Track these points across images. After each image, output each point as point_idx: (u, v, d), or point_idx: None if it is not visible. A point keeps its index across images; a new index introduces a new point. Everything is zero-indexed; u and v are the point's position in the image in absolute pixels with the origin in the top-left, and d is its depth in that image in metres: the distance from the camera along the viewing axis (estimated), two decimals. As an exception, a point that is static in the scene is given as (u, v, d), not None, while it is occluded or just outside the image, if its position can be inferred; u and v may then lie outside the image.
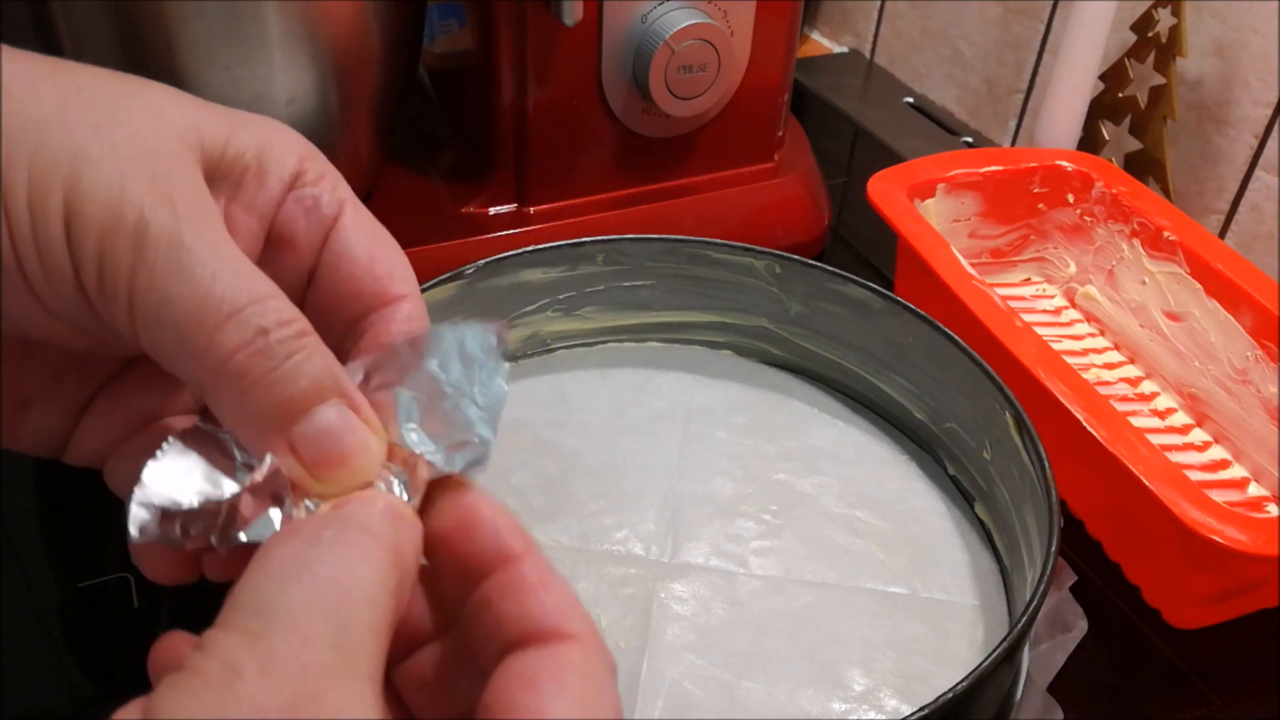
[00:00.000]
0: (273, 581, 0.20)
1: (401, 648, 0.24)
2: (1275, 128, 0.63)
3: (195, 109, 0.24)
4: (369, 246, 0.26)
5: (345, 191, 0.26)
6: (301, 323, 0.23)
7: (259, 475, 0.22)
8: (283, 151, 0.25)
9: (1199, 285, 0.55)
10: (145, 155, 0.22)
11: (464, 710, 0.23)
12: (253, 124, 0.25)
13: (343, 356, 0.25)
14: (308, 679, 0.18)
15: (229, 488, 0.23)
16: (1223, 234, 0.67)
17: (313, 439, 0.22)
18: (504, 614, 0.22)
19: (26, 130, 0.21)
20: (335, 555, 0.20)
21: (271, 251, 0.26)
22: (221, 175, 0.24)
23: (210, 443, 0.24)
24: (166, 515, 0.22)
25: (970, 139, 0.83)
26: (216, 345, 0.22)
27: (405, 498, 0.23)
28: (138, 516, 0.22)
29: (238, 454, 0.24)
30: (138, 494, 0.22)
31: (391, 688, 0.24)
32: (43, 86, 0.22)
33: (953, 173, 0.61)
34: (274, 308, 0.22)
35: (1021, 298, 0.64)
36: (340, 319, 0.26)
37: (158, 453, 0.23)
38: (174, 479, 0.23)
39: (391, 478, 0.23)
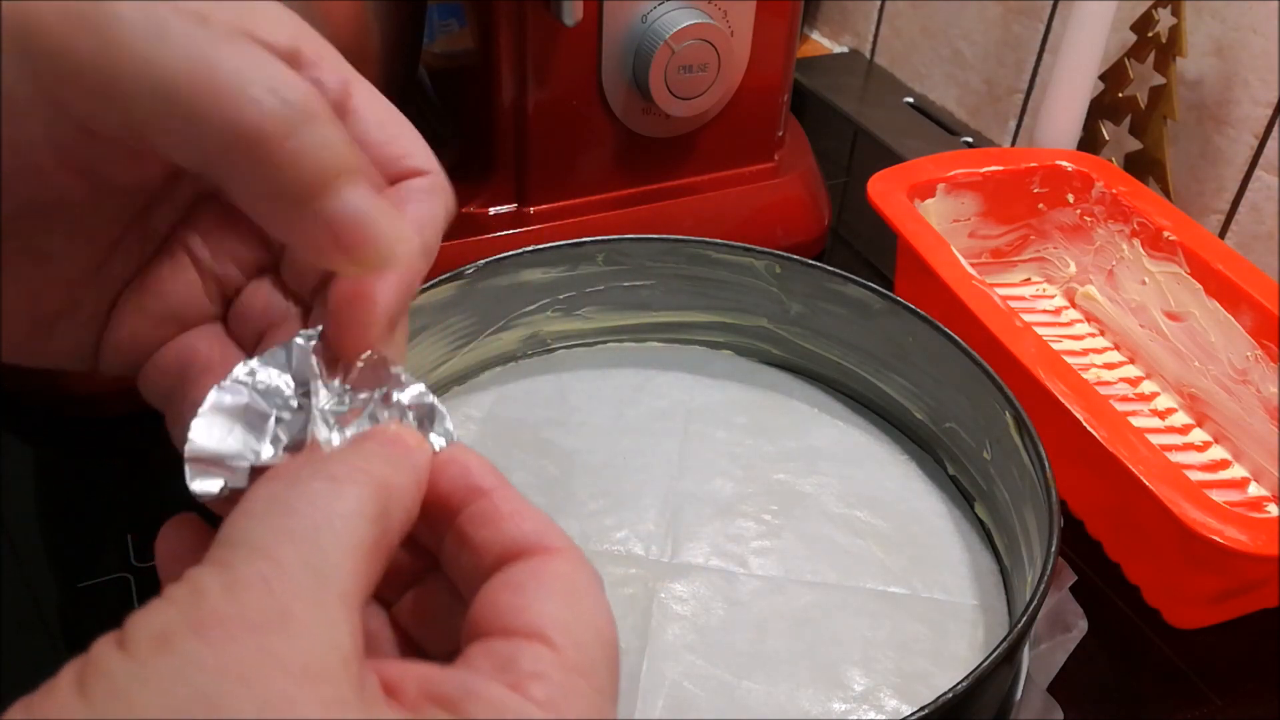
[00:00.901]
0: (249, 519, 0.20)
1: (391, 591, 0.24)
2: (1275, 128, 0.63)
3: None
4: (382, 125, 0.25)
5: (347, 70, 0.25)
6: (317, 93, 0.22)
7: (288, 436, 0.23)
8: (271, 25, 0.23)
9: (1199, 285, 0.55)
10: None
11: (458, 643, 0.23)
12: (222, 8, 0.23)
13: None
14: (274, 597, 0.18)
15: (266, 451, 0.23)
16: (1223, 234, 0.67)
17: (342, 218, 0.21)
18: (480, 542, 0.22)
19: None
20: (312, 490, 0.20)
21: None
22: None
23: (244, 399, 0.23)
24: (218, 463, 0.23)
25: (970, 139, 0.83)
26: (231, 112, 0.20)
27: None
28: (193, 473, 0.23)
29: (271, 409, 0.24)
30: (188, 451, 0.23)
31: (398, 626, 0.24)
32: None
33: (953, 173, 0.61)
34: (283, 73, 0.21)
35: (1021, 298, 0.64)
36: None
37: (200, 409, 0.23)
38: (216, 434, 0.23)
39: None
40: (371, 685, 0.19)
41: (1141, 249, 0.59)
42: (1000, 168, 0.62)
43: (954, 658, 0.39)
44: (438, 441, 0.24)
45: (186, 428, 0.23)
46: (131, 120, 0.21)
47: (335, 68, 0.25)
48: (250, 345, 0.26)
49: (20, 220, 0.23)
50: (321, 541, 0.20)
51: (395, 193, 0.25)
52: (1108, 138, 0.69)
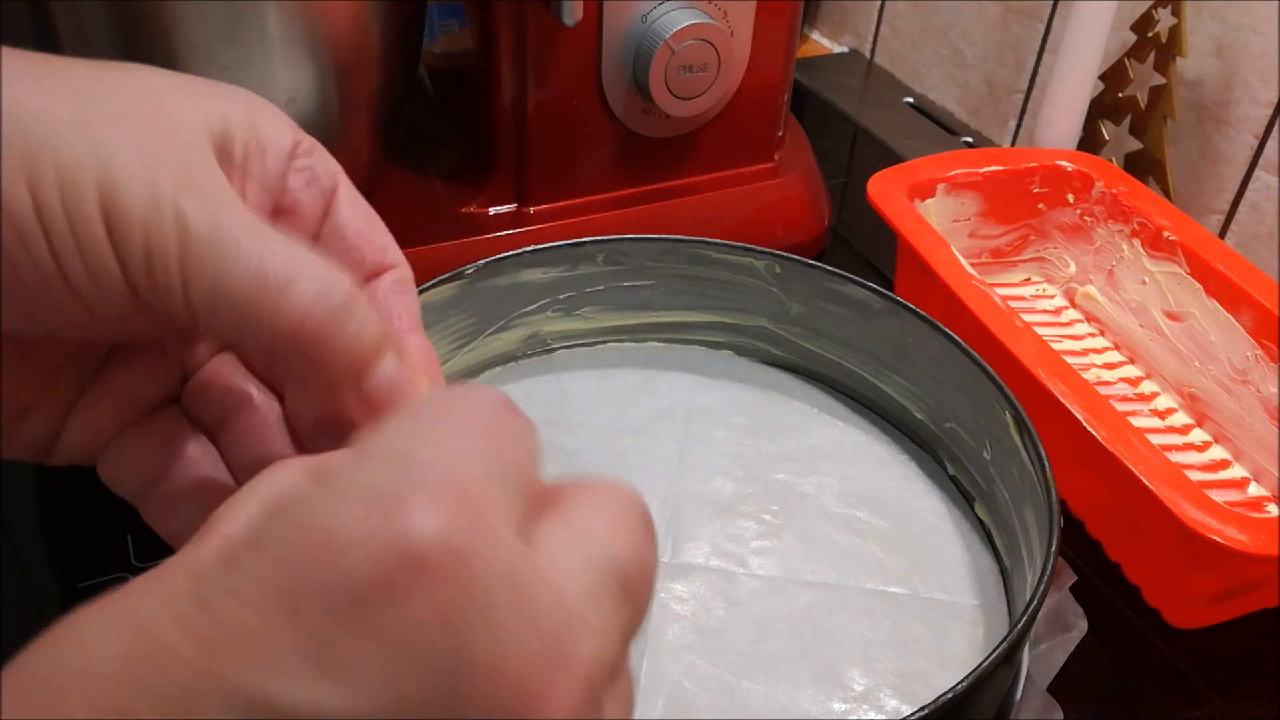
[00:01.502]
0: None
1: None
2: (1275, 128, 0.63)
3: (191, 90, 0.25)
4: (365, 218, 0.27)
5: (335, 165, 0.27)
6: (350, 281, 0.24)
7: None
8: (276, 125, 0.26)
9: (1199, 285, 0.55)
10: (167, 149, 0.23)
11: None
12: (238, 98, 0.26)
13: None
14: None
15: None
16: (1223, 234, 0.67)
17: (382, 389, 0.24)
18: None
19: (44, 134, 0.21)
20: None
21: (279, 223, 0.26)
22: (228, 155, 0.25)
23: None
24: None
25: (970, 139, 0.83)
26: (284, 313, 0.23)
27: None
28: None
29: None
30: None
31: None
32: (47, 87, 0.22)
33: (953, 173, 0.61)
34: (324, 270, 0.23)
35: (1021, 298, 0.64)
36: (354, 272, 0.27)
37: None
38: None
39: None
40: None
41: (1141, 249, 0.59)
42: (1000, 168, 0.62)
43: (954, 658, 0.39)
44: None
45: (172, 516, 0.25)
46: (183, 312, 0.23)
47: (325, 159, 0.27)
48: (209, 426, 0.27)
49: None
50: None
51: (373, 291, 0.27)
52: (1108, 138, 0.69)
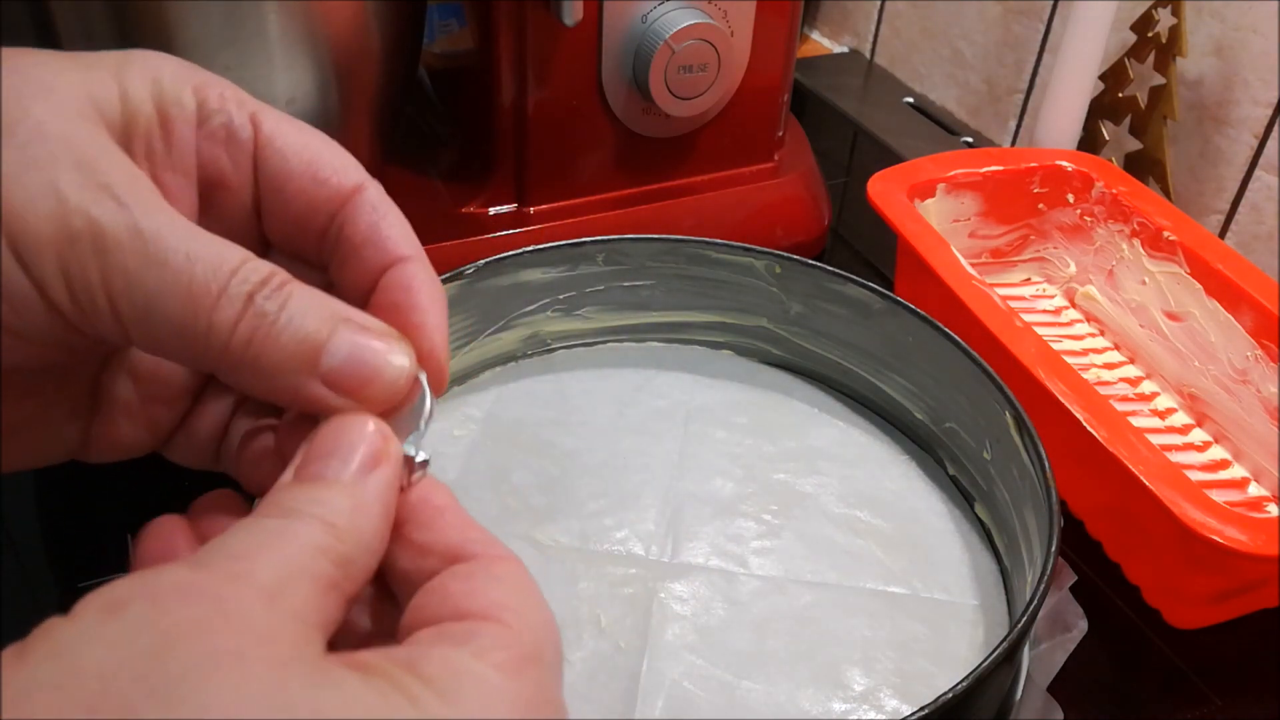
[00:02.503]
0: (219, 540, 0.20)
1: None
2: (1275, 128, 0.63)
3: (76, 71, 0.22)
4: (301, 155, 0.24)
5: (252, 103, 0.24)
6: (279, 273, 0.22)
7: None
8: (177, 87, 0.23)
9: (1199, 285, 0.55)
10: (61, 147, 0.21)
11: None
12: (132, 65, 0.23)
13: (324, 270, 0.25)
14: (237, 583, 0.19)
15: None
16: (1223, 234, 0.67)
17: (341, 369, 0.22)
18: (426, 543, 0.22)
19: None
20: (265, 525, 0.20)
21: (208, 199, 0.24)
22: (130, 137, 0.23)
23: None
24: None
25: (970, 139, 0.83)
26: (216, 327, 0.21)
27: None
28: None
29: None
30: None
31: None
32: None
33: (953, 173, 0.61)
34: (251, 269, 0.22)
35: (1021, 298, 0.64)
36: (307, 236, 0.25)
37: None
38: None
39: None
40: (324, 652, 0.19)
41: (1141, 249, 0.59)
42: (1000, 168, 0.62)
43: (954, 658, 0.39)
44: (410, 450, 0.23)
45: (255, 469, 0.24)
46: (114, 332, 0.21)
47: (240, 104, 0.24)
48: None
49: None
50: (275, 571, 0.19)
51: (344, 220, 0.25)
52: (1108, 138, 0.69)
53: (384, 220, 0.25)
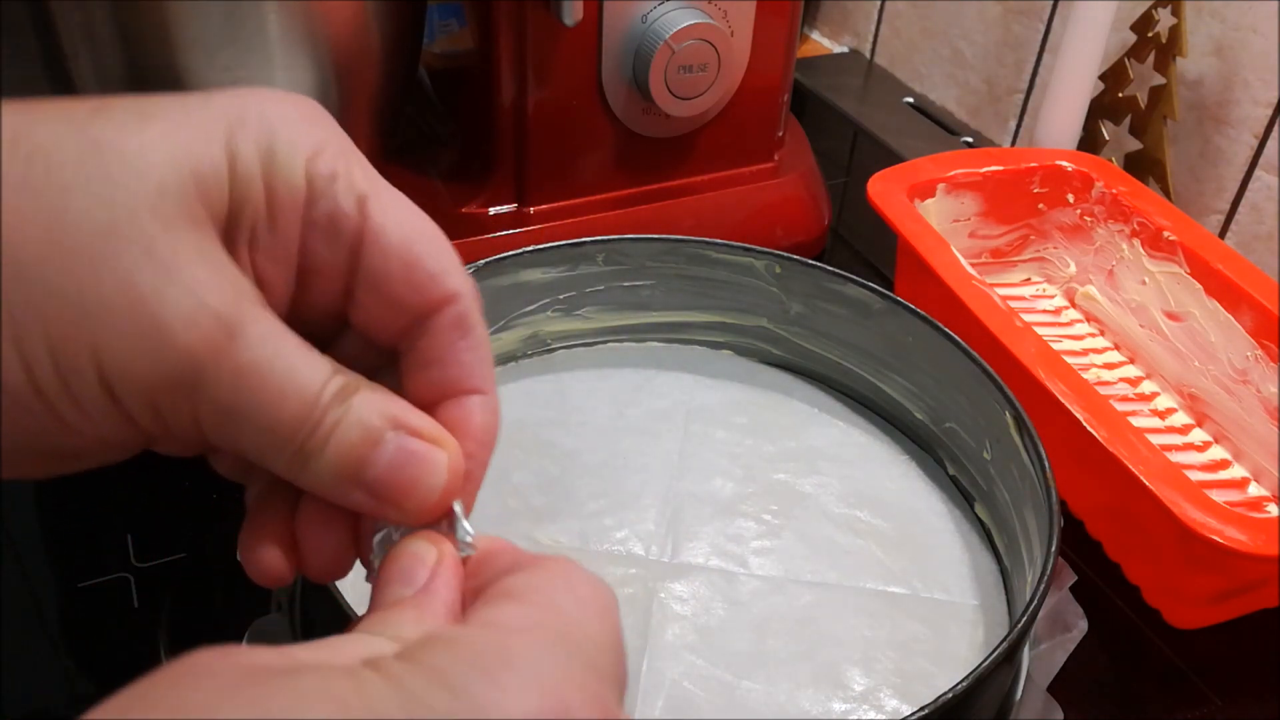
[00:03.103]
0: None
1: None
2: (1275, 128, 0.63)
3: (181, 131, 0.21)
4: (403, 256, 0.23)
5: (362, 182, 0.23)
6: (340, 379, 0.22)
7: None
8: (290, 159, 0.22)
9: (1199, 285, 0.55)
10: (164, 261, 0.20)
11: None
12: (246, 124, 0.22)
13: (397, 366, 0.25)
14: None
15: None
16: (1223, 234, 0.67)
17: (382, 479, 0.22)
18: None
19: (26, 295, 0.19)
20: None
21: (302, 286, 0.23)
22: (235, 225, 0.22)
23: None
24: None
25: (970, 139, 0.83)
26: (298, 448, 0.22)
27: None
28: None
29: None
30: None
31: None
32: (15, 205, 0.19)
33: (953, 173, 0.61)
34: (330, 388, 0.22)
35: (1021, 298, 0.64)
36: (388, 332, 0.24)
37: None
38: None
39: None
40: None
41: (1141, 249, 0.59)
42: (1000, 168, 0.62)
43: (954, 658, 0.39)
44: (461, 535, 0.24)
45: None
46: (196, 443, 0.22)
47: (350, 185, 0.23)
48: None
49: None
50: None
51: (427, 333, 0.24)
52: (1108, 138, 0.69)
53: (462, 342, 0.24)
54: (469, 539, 0.24)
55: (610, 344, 0.52)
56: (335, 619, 0.33)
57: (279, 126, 0.22)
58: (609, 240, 0.49)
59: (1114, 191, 0.60)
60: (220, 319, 0.20)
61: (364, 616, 0.22)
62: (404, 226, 0.23)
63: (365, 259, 0.23)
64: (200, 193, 0.21)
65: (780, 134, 0.64)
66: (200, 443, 0.22)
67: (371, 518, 0.24)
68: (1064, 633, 0.39)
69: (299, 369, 0.21)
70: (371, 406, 0.22)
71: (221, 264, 0.21)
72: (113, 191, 0.20)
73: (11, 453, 0.21)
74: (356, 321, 0.24)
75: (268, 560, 0.24)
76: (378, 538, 0.24)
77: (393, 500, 0.23)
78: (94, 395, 0.20)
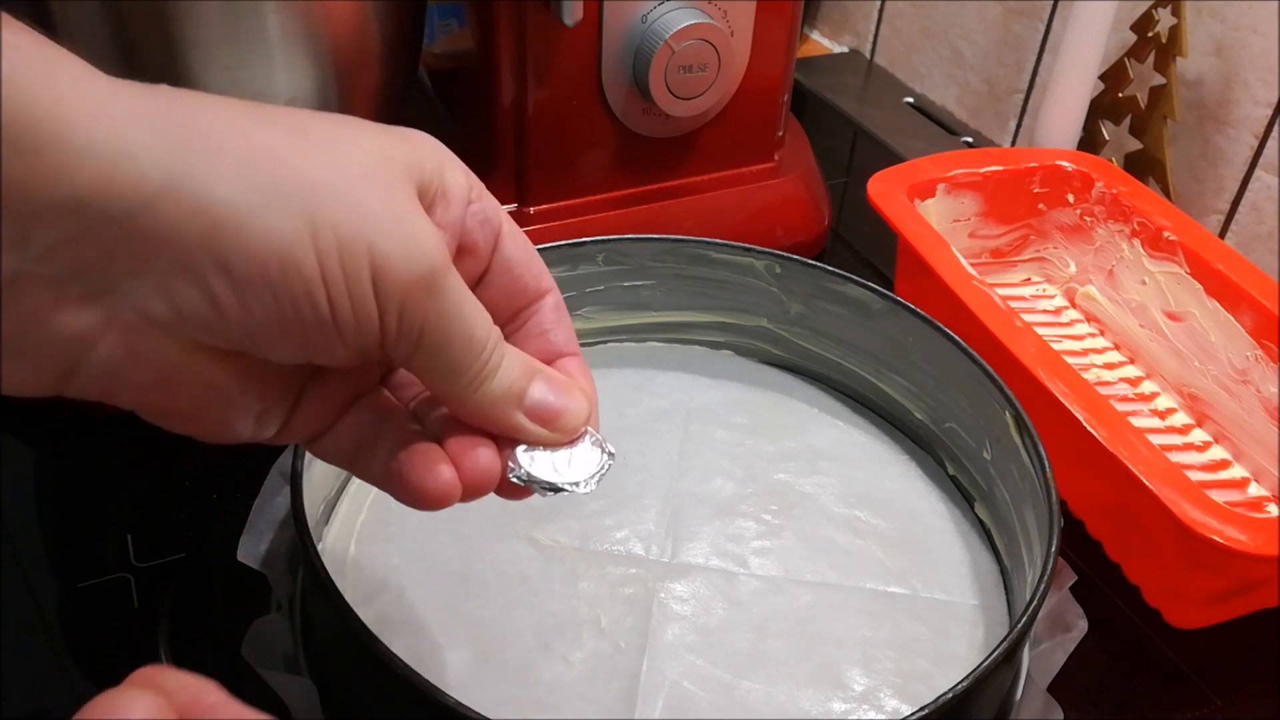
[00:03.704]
0: None
1: None
2: (1275, 128, 0.63)
3: (393, 140, 0.28)
4: (525, 252, 0.31)
5: (496, 204, 0.31)
6: (498, 330, 0.29)
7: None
8: (454, 170, 0.29)
9: (1199, 285, 0.55)
10: (406, 209, 0.26)
11: None
12: (422, 143, 0.29)
13: (520, 328, 0.32)
14: None
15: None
16: (1223, 234, 0.67)
17: (536, 407, 0.30)
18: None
19: (319, 199, 0.25)
20: None
21: (458, 260, 0.29)
22: (427, 201, 0.28)
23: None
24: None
25: (970, 139, 0.83)
26: (475, 373, 0.28)
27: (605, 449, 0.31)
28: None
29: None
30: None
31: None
32: (300, 146, 0.25)
33: (953, 173, 0.61)
34: (497, 331, 0.29)
35: (1021, 298, 0.64)
36: (505, 310, 0.31)
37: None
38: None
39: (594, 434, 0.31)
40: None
41: (1141, 249, 0.59)
42: (1000, 168, 0.62)
43: (954, 658, 0.39)
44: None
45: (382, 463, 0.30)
46: (403, 359, 0.28)
47: (491, 201, 0.30)
48: (408, 402, 0.31)
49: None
50: None
51: (534, 314, 0.32)
52: (1108, 138, 0.69)
53: (559, 324, 0.32)
54: (610, 449, 0.31)
55: (610, 344, 0.52)
56: (335, 619, 0.33)
57: (440, 151, 0.30)
58: (609, 240, 0.49)
59: (1114, 191, 0.60)
60: (441, 250, 0.27)
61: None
62: (524, 240, 0.31)
63: (501, 251, 0.31)
64: (405, 169, 0.27)
65: (780, 134, 0.64)
66: (404, 360, 0.27)
67: (511, 442, 0.30)
68: (1064, 633, 0.39)
69: (482, 311, 0.28)
70: (520, 354, 0.30)
71: (432, 227, 0.27)
72: (357, 154, 0.26)
73: (282, 339, 0.26)
74: (484, 299, 0.30)
75: (446, 477, 0.29)
76: (520, 449, 0.30)
77: (547, 420, 0.30)
78: (363, 287, 0.25)
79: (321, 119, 0.27)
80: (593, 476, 0.31)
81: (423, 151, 0.28)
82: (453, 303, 0.27)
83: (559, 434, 0.30)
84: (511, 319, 0.32)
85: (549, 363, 0.32)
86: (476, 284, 0.31)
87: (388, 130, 0.28)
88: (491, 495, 0.30)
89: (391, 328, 0.26)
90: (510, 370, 0.29)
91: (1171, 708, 0.44)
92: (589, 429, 0.31)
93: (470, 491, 0.29)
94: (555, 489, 0.30)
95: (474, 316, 0.28)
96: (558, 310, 0.32)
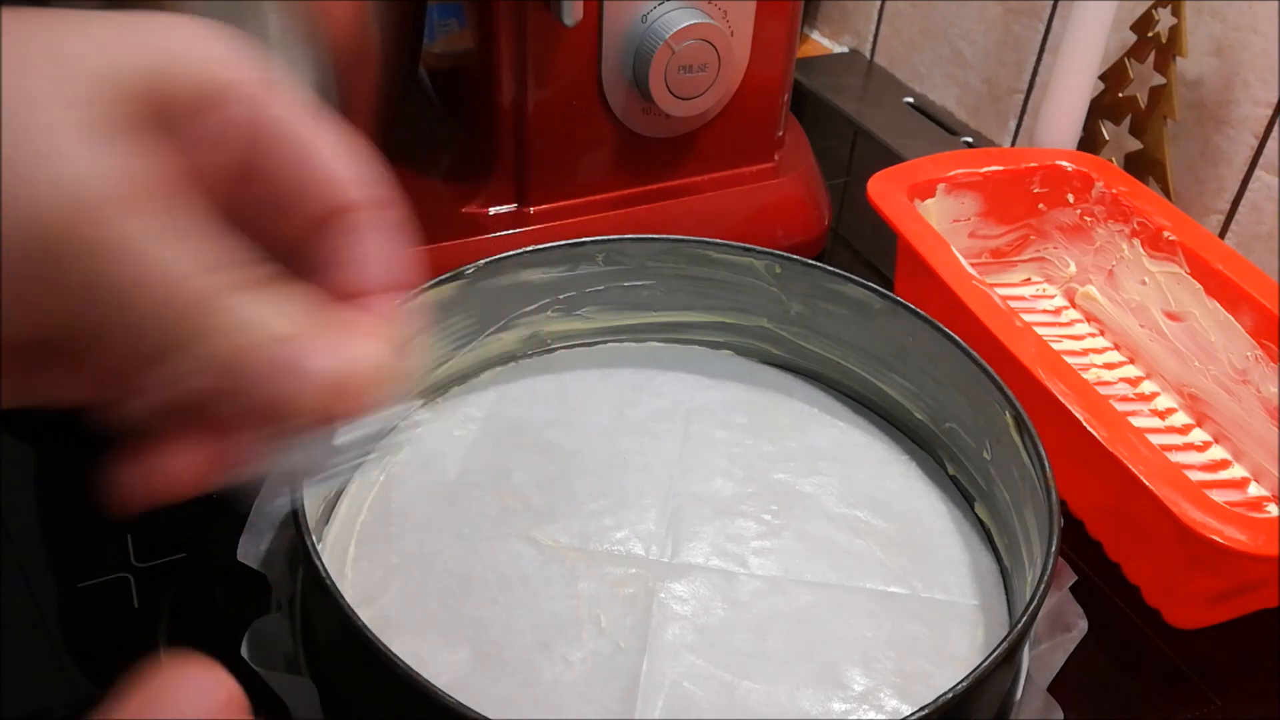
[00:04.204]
0: None
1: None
2: (1275, 128, 0.63)
3: (105, 29, 0.22)
4: (299, 166, 0.24)
5: (258, 104, 0.24)
6: (225, 275, 0.22)
7: None
8: (206, 65, 0.23)
9: (1199, 285, 0.55)
10: (39, 149, 0.21)
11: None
12: (162, 31, 0.23)
13: (311, 256, 0.25)
14: None
15: None
16: (1223, 234, 0.67)
17: (257, 365, 0.23)
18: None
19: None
20: None
21: (213, 186, 0.24)
22: (153, 109, 0.22)
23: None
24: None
25: (970, 139, 0.83)
26: (152, 334, 0.22)
27: None
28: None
29: None
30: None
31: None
32: None
33: (953, 173, 0.61)
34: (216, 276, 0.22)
35: (1021, 298, 0.64)
36: (286, 243, 0.25)
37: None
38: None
39: None
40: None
41: (1141, 249, 0.59)
42: (1000, 168, 0.62)
43: (954, 658, 0.39)
44: None
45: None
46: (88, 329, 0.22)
47: (241, 97, 0.24)
48: None
49: None
50: None
51: (326, 236, 0.25)
52: (1108, 138, 0.69)
53: (354, 248, 0.25)
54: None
55: (610, 344, 0.52)
56: (335, 619, 0.33)
57: (192, 35, 0.23)
58: (609, 240, 0.49)
59: (1114, 191, 0.60)
60: (78, 199, 0.21)
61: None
62: (305, 141, 0.24)
63: (269, 166, 0.24)
64: (114, 85, 0.22)
65: (780, 134, 0.64)
66: (93, 335, 0.22)
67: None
68: (1064, 633, 0.39)
69: (167, 257, 0.21)
70: (255, 308, 0.22)
71: (112, 152, 0.21)
72: (32, 84, 0.21)
73: None
74: (254, 224, 0.25)
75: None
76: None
77: (340, 410, 0.23)
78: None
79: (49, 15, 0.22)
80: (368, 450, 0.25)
81: (159, 43, 0.23)
82: (93, 259, 0.21)
83: (278, 424, 0.24)
84: (301, 245, 0.25)
85: (347, 302, 0.25)
86: (243, 204, 0.24)
87: (103, 20, 0.22)
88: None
89: (22, 324, 0.21)
90: (257, 324, 0.22)
91: (1171, 708, 0.44)
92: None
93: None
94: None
95: (145, 267, 0.21)
96: (358, 230, 0.25)
